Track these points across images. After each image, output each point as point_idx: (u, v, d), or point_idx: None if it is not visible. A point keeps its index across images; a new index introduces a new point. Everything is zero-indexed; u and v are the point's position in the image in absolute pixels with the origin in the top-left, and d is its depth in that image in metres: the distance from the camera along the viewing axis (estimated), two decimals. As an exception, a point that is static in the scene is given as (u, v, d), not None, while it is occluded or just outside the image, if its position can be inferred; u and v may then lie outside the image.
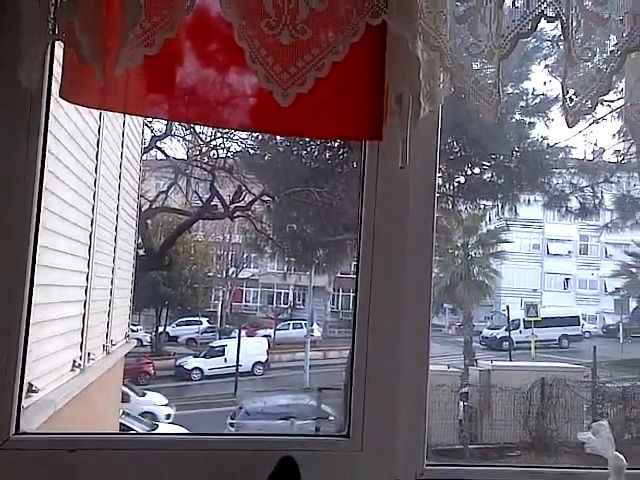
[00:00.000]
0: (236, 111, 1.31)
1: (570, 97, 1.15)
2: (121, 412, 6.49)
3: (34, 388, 2.79)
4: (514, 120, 8.77)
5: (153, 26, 1.07)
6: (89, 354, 4.47)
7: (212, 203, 8.90)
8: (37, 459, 1.19)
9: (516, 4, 1.14)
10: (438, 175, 1.35)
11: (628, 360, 10.05)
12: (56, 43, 1.18)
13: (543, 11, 1.12)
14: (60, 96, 1.18)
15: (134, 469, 1.22)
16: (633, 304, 11.26)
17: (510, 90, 8.62)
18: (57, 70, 1.24)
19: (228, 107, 1.29)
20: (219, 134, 8.25)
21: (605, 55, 1.14)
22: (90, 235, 4.40)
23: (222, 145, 8.60)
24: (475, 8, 1.15)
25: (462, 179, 9.21)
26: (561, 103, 1.15)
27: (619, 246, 10.79)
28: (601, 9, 1.14)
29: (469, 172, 9.19)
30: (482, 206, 9.59)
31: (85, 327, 4.38)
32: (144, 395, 7.97)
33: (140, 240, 7.08)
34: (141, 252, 7.81)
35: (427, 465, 1.28)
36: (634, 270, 10.64)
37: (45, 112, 1.25)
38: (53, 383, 3.55)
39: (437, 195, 1.34)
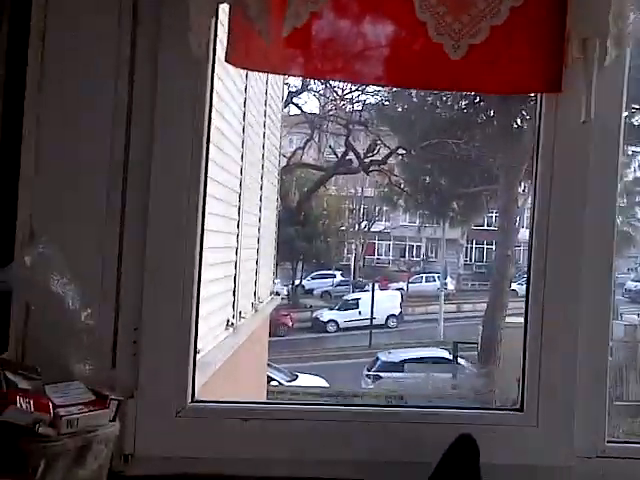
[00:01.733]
0: (391, 68, 1.24)
1: None
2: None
3: (197, 350, 2.92)
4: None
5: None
6: (240, 312, 4.62)
7: (347, 157, 8.91)
8: (212, 427, 1.22)
9: None
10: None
11: None
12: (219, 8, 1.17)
13: None
14: (226, 60, 1.18)
15: (301, 437, 1.22)
16: None
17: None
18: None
19: (364, 59, 1.23)
20: (353, 87, 8.18)
21: None
22: (239, 196, 4.51)
23: (356, 98, 8.53)
24: None
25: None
26: None
27: None
28: None
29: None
30: (630, 152, 8.91)
31: (237, 287, 4.53)
32: (295, 378, 7.78)
33: (279, 198, 7.24)
34: (279, 209, 8.01)
35: (608, 442, 1.20)
36: None
37: (211, 76, 1.25)
38: (211, 343, 3.72)
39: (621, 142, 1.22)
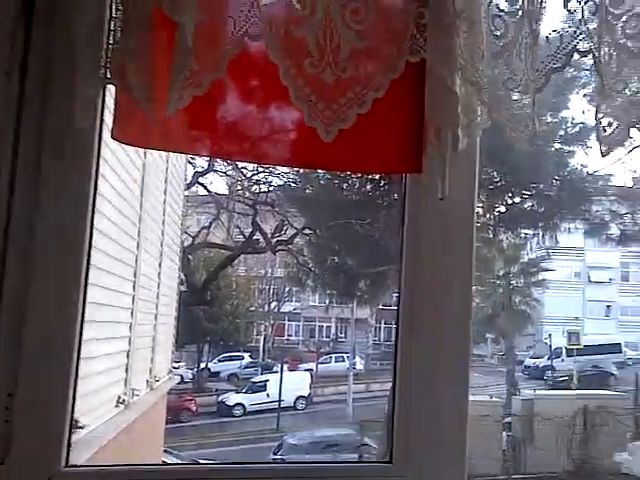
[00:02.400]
0: (278, 146, 1.35)
1: (604, 127, 1.17)
2: (163, 449, 6.50)
3: (80, 424, 2.83)
4: (554, 149, 8.72)
5: (202, 68, 1.12)
6: (133, 390, 4.51)
7: (254, 237, 9.02)
8: None
9: (549, 40, 1.17)
10: (479, 205, 1.37)
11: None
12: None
13: (575, 46, 1.15)
14: (112, 137, 1.24)
15: None
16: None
17: (549, 119, 8.59)
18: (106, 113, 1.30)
19: (270, 142, 1.34)
20: (261, 169, 8.40)
21: (638, 86, 1.16)
22: (134, 272, 4.48)
23: (264, 179, 8.75)
24: (511, 43, 1.18)
25: (503, 208, 9.17)
26: (595, 134, 1.17)
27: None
28: (633, 42, 1.15)
29: (510, 201, 9.15)
30: (523, 235, 9.53)
31: (129, 363, 4.44)
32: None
33: (182, 276, 7.18)
34: (183, 288, 7.92)
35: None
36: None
37: (97, 155, 1.30)
38: (98, 419, 3.60)
39: (478, 225, 1.35)
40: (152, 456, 5.78)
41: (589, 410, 8.28)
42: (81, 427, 2.90)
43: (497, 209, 9.19)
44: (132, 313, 4.47)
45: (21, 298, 1.20)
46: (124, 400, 4.28)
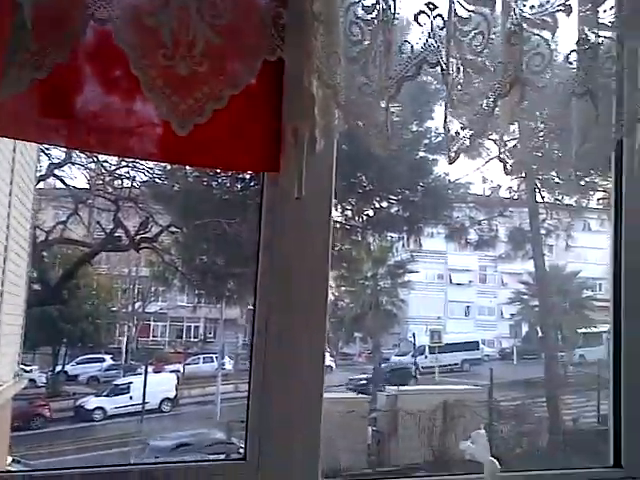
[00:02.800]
0: (139, 139, 1.30)
1: (451, 136, 1.24)
2: (10, 460, 6.06)
3: None
4: (419, 157, 9.16)
5: (42, 49, 1.05)
6: None
7: (116, 234, 8.64)
8: None
9: (402, 50, 1.22)
10: (348, 208, 1.40)
11: (520, 380, 10.62)
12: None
13: (425, 57, 1.21)
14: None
15: None
16: (525, 328, 12.01)
17: (415, 128, 9.00)
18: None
19: (131, 135, 1.28)
20: (124, 163, 8.07)
21: (482, 100, 1.24)
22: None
23: (127, 174, 8.41)
24: (367, 51, 1.22)
25: (371, 212, 9.49)
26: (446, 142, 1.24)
27: (514, 275, 11.44)
28: (478, 58, 1.23)
29: (377, 206, 9.49)
30: (390, 238, 9.92)
31: None
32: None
33: (35, 274, 6.73)
34: (36, 286, 7.43)
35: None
36: (526, 297, 11.39)
37: None
38: None
39: (347, 228, 1.38)
40: (-1, 463, 5.37)
41: (448, 404, 8.76)
42: None
43: (366, 212, 9.49)
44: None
45: None
46: None
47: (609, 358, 1.73)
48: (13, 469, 5.94)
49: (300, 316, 1.31)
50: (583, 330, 11.00)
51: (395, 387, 9.82)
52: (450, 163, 1.23)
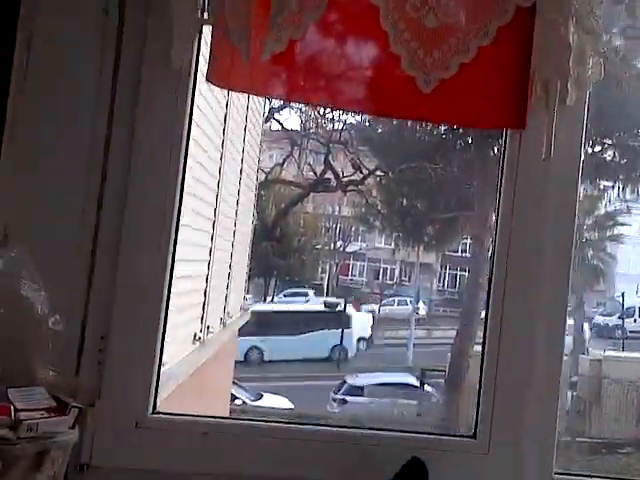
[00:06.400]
0: (368, 93, 1.29)
1: None
2: (232, 381, 6.68)
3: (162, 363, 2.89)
4: None
5: (301, 10, 1.07)
6: (208, 327, 4.57)
7: (325, 176, 8.97)
8: (171, 439, 1.22)
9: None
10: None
11: None
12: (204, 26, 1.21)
13: None
14: (207, 79, 1.22)
15: (259, 454, 1.23)
16: None
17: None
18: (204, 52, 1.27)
19: (361, 86, 1.27)
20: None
21: None
22: (214, 209, 4.49)
23: (337, 117, 8.61)
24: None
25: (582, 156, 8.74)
26: None
27: None
28: None
29: (589, 150, 8.70)
30: (602, 186, 9.10)
31: (206, 301, 4.48)
32: (260, 398, 7.53)
33: (255, 212, 7.24)
34: (256, 224, 7.98)
35: (556, 473, 1.23)
36: None
37: (192, 92, 1.28)
38: (176, 357, 3.67)
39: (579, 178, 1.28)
40: (223, 392, 5.96)
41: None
42: (162, 364, 2.99)
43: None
44: (210, 251, 4.49)
45: (115, 239, 1.22)
46: (200, 337, 4.34)
47: None
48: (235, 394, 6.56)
49: (543, 277, 1.23)
50: None
51: (600, 351, 9.15)
52: None
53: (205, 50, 1.21)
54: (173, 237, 1.26)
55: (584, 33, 1.14)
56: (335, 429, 1.34)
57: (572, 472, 1.34)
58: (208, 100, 3.80)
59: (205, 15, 1.15)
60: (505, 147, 1.25)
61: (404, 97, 1.22)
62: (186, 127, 1.26)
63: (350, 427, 1.60)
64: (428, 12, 1.12)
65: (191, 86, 1.26)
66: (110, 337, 1.20)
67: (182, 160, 1.26)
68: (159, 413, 1.25)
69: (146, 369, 1.22)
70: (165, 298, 1.25)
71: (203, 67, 1.25)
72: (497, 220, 1.24)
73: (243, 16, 1.07)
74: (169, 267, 1.25)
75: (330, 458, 1.23)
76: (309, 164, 9.31)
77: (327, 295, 10.53)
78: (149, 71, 1.22)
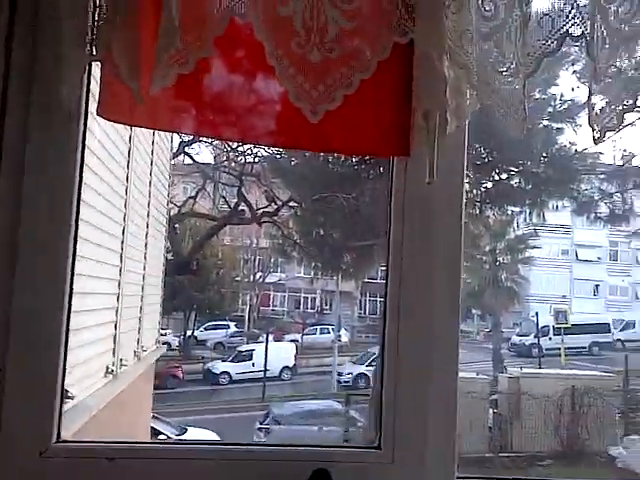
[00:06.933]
0: (264, 123, 1.33)
1: (596, 112, 1.16)
2: (152, 414, 6.54)
3: (69, 394, 2.84)
4: (542, 126, 8.70)
5: (187, 46, 1.10)
6: (121, 360, 4.53)
7: (239, 208, 9.00)
8: (77, 467, 1.22)
9: (541, 23, 1.15)
10: (465, 181, 1.37)
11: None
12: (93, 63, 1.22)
13: (568, 30, 1.13)
14: (97, 114, 1.22)
15: (167, 477, 1.25)
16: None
17: (538, 95, 8.54)
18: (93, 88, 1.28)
19: (256, 118, 1.31)
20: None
21: (631, 72, 1.15)
22: (122, 242, 4.46)
23: (249, 151, 8.69)
24: (501, 26, 1.17)
25: (489, 185, 9.16)
26: (587, 119, 1.16)
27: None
28: (625, 26, 1.14)
29: (497, 178, 9.14)
30: (510, 212, 9.53)
31: (117, 333, 4.44)
32: (184, 432, 7.39)
33: (169, 245, 7.16)
34: (169, 257, 7.89)
35: (458, 477, 1.29)
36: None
37: (83, 128, 1.29)
38: (87, 389, 3.61)
39: (465, 201, 1.36)
40: (141, 425, 5.83)
41: (577, 390, 8.29)
42: (71, 397, 2.91)
43: (484, 185, 9.18)
44: (119, 284, 4.47)
45: (8, 271, 1.21)
46: (112, 370, 4.30)
47: None
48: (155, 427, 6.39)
49: (434, 296, 1.29)
50: None
51: (517, 369, 9.45)
52: (596, 143, 1.16)
53: (95, 86, 1.22)
54: (70, 269, 1.25)
55: (458, 68, 1.22)
56: (244, 447, 1.34)
57: (473, 475, 1.40)
58: (109, 135, 3.78)
59: (94, 52, 1.16)
60: (392, 174, 1.32)
61: (295, 128, 1.27)
62: (78, 162, 1.26)
63: (256, 444, 1.60)
64: (312, 48, 1.17)
65: (82, 123, 1.27)
66: (8, 369, 1.20)
67: (76, 191, 1.26)
68: (64, 442, 1.24)
69: (48, 398, 1.22)
70: (64, 329, 1.24)
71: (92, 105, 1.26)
72: (388, 245, 1.30)
73: (131, 52, 1.09)
74: (67, 298, 1.25)
75: (239, 475, 1.25)
76: (223, 197, 9.33)
77: (249, 327, 10.47)
78: (39, 109, 1.22)
